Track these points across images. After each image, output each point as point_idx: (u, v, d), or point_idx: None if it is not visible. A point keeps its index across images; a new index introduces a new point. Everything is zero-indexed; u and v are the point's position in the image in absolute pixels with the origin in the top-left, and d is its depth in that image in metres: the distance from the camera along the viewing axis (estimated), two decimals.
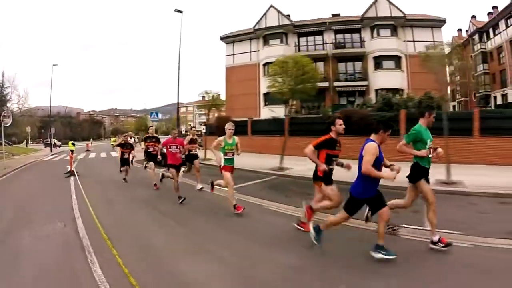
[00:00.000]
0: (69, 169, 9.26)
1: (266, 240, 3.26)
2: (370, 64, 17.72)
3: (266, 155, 11.41)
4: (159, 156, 6.62)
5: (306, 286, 2.34)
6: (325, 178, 3.21)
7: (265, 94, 18.45)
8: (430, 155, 3.00)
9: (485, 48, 28.12)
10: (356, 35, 18.35)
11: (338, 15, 21.97)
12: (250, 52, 20.03)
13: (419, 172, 2.99)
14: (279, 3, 40.90)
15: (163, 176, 6.21)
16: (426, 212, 2.99)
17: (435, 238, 2.92)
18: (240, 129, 12.78)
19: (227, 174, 4.26)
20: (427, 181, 3.00)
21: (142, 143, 9.22)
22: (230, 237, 3.42)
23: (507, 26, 25.11)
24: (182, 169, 6.04)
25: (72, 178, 8.21)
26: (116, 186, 7.15)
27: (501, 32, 26.01)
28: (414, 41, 18.43)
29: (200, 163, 6.89)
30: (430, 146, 3.00)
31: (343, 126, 3.23)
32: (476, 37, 28.70)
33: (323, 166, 3.09)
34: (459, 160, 7.72)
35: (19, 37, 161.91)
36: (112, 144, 23.40)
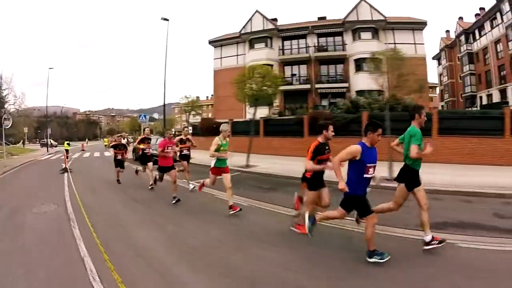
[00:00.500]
0: (63, 166, 10.57)
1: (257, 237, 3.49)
2: (351, 66, 18.93)
3: (242, 153, 12.68)
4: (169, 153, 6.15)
5: (293, 282, 2.43)
6: (312, 181, 3.37)
7: (250, 96, 19.72)
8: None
9: (471, 49, 29.19)
10: (338, 38, 19.57)
11: (324, 18, 23.21)
12: (237, 55, 21.31)
13: (413, 177, 3.04)
14: (265, 8, 42.26)
15: (155, 181, 6.38)
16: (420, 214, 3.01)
17: (428, 238, 2.97)
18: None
19: (212, 177, 4.56)
20: (418, 182, 3.06)
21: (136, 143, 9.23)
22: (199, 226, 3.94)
23: (492, 28, 26.18)
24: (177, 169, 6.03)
25: (65, 174, 9.50)
26: (101, 179, 8.47)
27: (486, 33, 27.10)
28: (395, 43, 19.58)
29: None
30: (424, 148, 3.06)
31: (333, 133, 3.43)
32: (463, 38, 29.82)
33: (323, 167, 3.24)
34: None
35: (15, 37, 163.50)
36: (106, 145, 24.58)
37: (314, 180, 3.35)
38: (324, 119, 11.70)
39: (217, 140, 4.46)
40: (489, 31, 26.70)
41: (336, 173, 2.72)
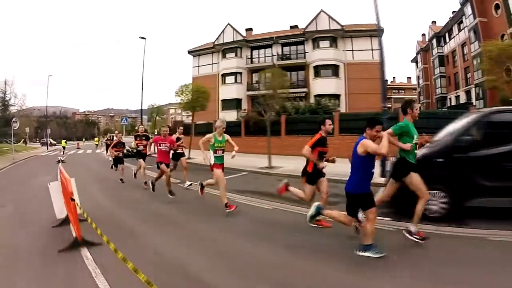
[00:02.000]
0: (59, 158, 14.56)
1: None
2: (311, 72, 22.46)
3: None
4: (149, 152, 6.87)
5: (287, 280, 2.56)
6: (311, 175, 3.70)
7: (223, 101, 23.54)
8: (416, 151, 3.24)
9: (442, 52, 32.12)
10: (300, 47, 23.13)
11: (296, 26, 26.80)
12: (212, 64, 25.18)
13: (406, 167, 3.23)
14: (241, 19, 46.12)
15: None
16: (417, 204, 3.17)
17: (413, 229, 3.19)
18: (203, 129, 17.64)
19: (217, 172, 4.55)
20: (411, 173, 3.20)
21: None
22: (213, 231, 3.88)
23: (459, 31, 29.10)
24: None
25: (60, 163, 13.48)
26: (83, 165, 12.42)
27: (454, 37, 30.11)
28: (353, 50, 23.03)
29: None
30: (416, 141, 3.23)
31: (332, 126, 3.82)
32: (434, 41, 32.84)
33: (322, 164, 3.61)
34: (275, 152, 11.44)
35: (14, 35, 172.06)
36: (96, 144, 28.41)
37: (313, 174, 3.71)
38: (253, 121, 15.27)
39: (210, 135, 4.58)
40: (456, 35, 29.59)
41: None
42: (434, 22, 34.23)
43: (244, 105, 23.39)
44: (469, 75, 28.07)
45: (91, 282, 2.50)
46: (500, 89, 12.29)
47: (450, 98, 31.46)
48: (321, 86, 21.45)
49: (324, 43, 22.16)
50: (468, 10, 25.44)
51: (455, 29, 29.89)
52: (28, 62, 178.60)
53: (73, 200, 3.35)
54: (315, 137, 3.72)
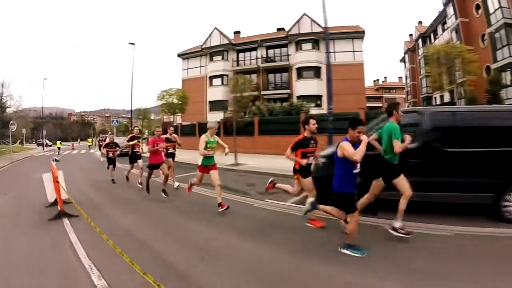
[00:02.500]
0: (54, 158, 16.06)
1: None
2: (294, 74, 23.89)
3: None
4: (160, 148, 6.54)
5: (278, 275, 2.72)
6: (301, 171, 3.88)
7: (210, 102, 25.00)
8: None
9: (427, 52, 33.58)
10: (284, 50, 24.57)
11: (283, 29, 28.20)
12: (200, 67, 26.65)
13: (393, 170, 3.45)
14: (226, 23, 47.60)
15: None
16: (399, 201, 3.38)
17: (398, 225, 3.39)
18: (188, 130, 19.09)
19: (199, 175, 4.87)
20: (399, 172, 3.43)
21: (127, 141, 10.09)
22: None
23: (443, 31, 30.43)
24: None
25: (55, 162, 14.96)
26: (76, 164, 13.89)
27: (438, 37, 31.45)
28: (335, 52, 24.37)
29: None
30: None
31: (316, 125, 3.88)
32: (420, 42, 34.23)
33: (303, 161, 3.76)
34: (248, 151, 13.31)
35: (10, 35, 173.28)
36: (89, 145, 29.80)
37: (304, 169, 3.86)
38: (230, 123, 16.68)
39: (204, 137, 4.76)
40: (440, 35, 30.93)
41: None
42: (420, 22, 35.63)
43: (231, 106, 24.85)
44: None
45: (68, 238, 3.92)
46: (444, 89, 13.73)
47: (435, 98, 32.86)
48: (303, 87, 22.85)
49: (307, 46, 23.56)
50: (450, 10, 26.57)
51: (439, 29, 31.08)
52: (26, 62, 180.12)
53: (58, 182, 4.83)
54: (297, 138, 3.89)
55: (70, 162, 15.89)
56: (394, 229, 3.40)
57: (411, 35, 37.74)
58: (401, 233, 3.37)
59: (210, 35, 25.90)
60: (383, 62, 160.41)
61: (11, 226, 4.52)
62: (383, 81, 55.80)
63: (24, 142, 39.50)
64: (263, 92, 24.09)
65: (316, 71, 23.33)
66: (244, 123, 15.11)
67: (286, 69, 24.11)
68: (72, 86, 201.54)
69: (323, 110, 22.99)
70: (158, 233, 4.04)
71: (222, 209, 4.64)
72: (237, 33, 29.17)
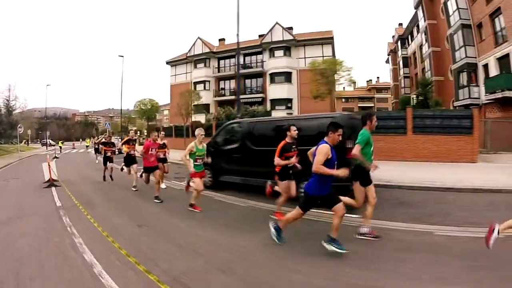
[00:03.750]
0: (55, 155, 20.01)
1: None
2: (267, 79, 27.14)
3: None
4: (150, 154, 6.63)
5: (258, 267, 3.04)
6: (281, 174, 4.52)
7: (195, 106, 28.58)
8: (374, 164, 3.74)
9: (406, 54, 35.97)
10: (259, 57, 27.87)
11: (263, 35, 31.52)
12: (186, 73, 30.28)
13: (364, 173, 3.76)
14: (212, 31, 50.80)
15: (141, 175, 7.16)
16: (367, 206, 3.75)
17: (365, 230, 3.77)
18: (168, 132, 22.69)
19: (196, 180, 5.34)
20: (369, 181, 3.78)
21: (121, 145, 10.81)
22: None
23: (417, 33, 32.76)
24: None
25: (54, 159, 18.90)
26: (72, 160, 17.71)
27: (414, 39, 33.91)
28: (305, 57, 27.23)
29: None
30: (372, 150, 3.80)
31: (296, 132, 4.52)
32: (399, 43, 36.81)
33: (282, 162, 4.39)
34: None
35: (17, 37, 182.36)
36: (87, 145, 33.71)
37: (282, 173, 4.51)
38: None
39: (192, 145, 5.20)
40: (416, 37, 33.41)
41: (327, 172, 3.13)
42: (400, 24, 38.16)
43: (212, 109, 28.40)
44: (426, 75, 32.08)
45: (52, 195, 7.43)
46: (322, 98, 17.02)
47: (413, 98, 35.46)
48: (275, 91, 26.10)
49: (279, 53, 26.60)
50: (420, 13, 28.38)
51: (415, 31, 33.58)
52: (33, 62, 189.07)
53: (49, 165, 8.50)
54: (280, 145, 4.46)
55: (67, 159, 19.75)
56: (362, 234, 3.76)
57: (393, 36, 40.27)
58: (370, 237, 3.74)
59: (193, 44, 29.51)
60: (378, 63, 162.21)
61: (21, 191, 8.16)
62: (376, 81, 58.19)
63: (29, 142, 44.20)
64: (241, 97, 27.48)
65: (287, 76, 26.41)
66: (185, 127, 18.42)
67: (260, 74, 27.43)
68: (79, 86, 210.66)
69: (294, 112, 26.18)
70: (105, 199, 7.60)
71: (193, 209, 5.36)
72: (222, 40, 32.71)
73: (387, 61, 43.51)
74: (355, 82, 16.63)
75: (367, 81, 59.85)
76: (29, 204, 6.51)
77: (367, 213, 3.78)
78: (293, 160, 4.40)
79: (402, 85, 36.27)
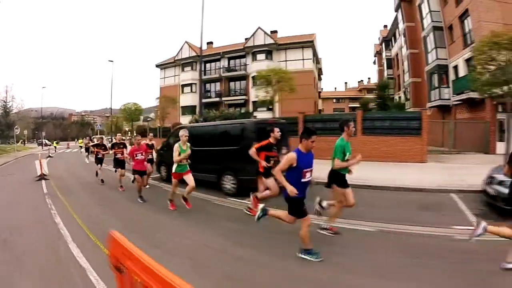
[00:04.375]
0: (49, 154, 22.11)
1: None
2: (250, 82, 29.09)
3: None
4: (131, 163, 7.07)
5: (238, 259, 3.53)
6: (264, 173, 4.81)
7: (182, 107, 30.63)
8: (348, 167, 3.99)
9: (390, 55, 37.78)
10: (243, 60, 29.76)
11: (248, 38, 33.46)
12: (174, 76, 32.25)
13: (335, 178, 4.10)
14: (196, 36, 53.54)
15: (134, 179, 7.27)
16: (332, 204, 4.23)
17: (325, 226, 4.22)
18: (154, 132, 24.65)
19: (174, 181, 5.75)
20: (346, 184, 4.10)
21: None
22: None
23: (399, 35, 34.59)
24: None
25: (48, 158, 20.99)
26: (64, 159, 19.78)
27: (397, 40, 35.70)
28: (286, 60, 28.89)
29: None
30: (348, 158, 4.01)
31: (280, 133, 4.97)
32: (383, 45, 38.61)
33: (263, 163, 4.64)
34: None
35: (14, 37, 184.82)
36: (80, 146, 35.77)
37: (266, 171, 4.82)
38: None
39: (177, 146, 5.56)
40: (398, 38, 35.20)
41: (281, 181, 3.36)
42: (385, 26, 39.99)
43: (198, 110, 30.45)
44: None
45: (41, 186, 9.38)
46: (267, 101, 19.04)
47: (395, 99, 37.30)
48: (256, 93, 28.04)
49: (261, 56, 28.41)
50: (400, 15, 29.62)
51: (397, 33, 35.31)
52: (31, 63, 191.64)
53: (40, 162, 10.57)
54: (263, 142, 4.79)
55: (60, 158, 21.80)
56: (323, 229, 4.13)
57: (379, 38, 42.08)
58: (329, 233, 4.12)
59: (181, 48, 31.53)
60: (369, 64, 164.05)
61: (17, 184, 10.18)
62: (367, 82, 59.95)
63: (26, 142, 46.36)
64: (224, 98, 29.56)
65: (269, 79, 28.40)
66: (166, 129, 20.30)
67: (244, 77, 29.34)
68: (76, 86, 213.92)
69: (275, 113, 28.03)
70: (82, 189, 9.64)
71: (171, 208, 5.81)
72: (210, 43, 34.69)
73: (374, 62, 45.41)
74: (293, 89, 18.60)
75: (359, 82, 61.70)
76: (23, 191, 8.54)
77: (334, 211, 4.20)
78: (264, 163, 4.77)
79: (388, 86, 38.14)
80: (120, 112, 20.77)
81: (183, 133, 5.64)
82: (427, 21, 22.20)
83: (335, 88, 62.70)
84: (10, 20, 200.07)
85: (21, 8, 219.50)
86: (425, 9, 22.30)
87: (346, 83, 62.20)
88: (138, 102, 25.20)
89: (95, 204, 6.83)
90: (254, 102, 28.19)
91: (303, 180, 3.42)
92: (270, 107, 28.20)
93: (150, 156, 8.42)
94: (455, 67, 19.93)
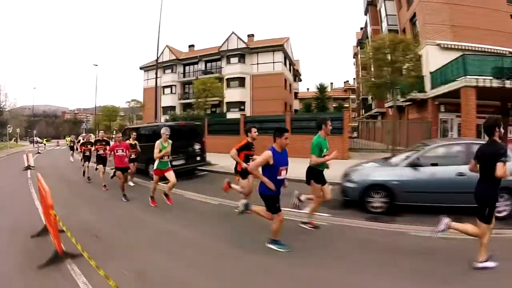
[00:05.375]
0: (38, 151, 25.43)
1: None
2: (224, 84, 32.17)
3: None
4: (109, 158, 8.16)
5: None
6: (242, 173, 5.07)
7: (163, 107, 33.79)
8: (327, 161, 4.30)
9: (364, 57, 40.74)
10: (219, 63, 32.82)
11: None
12: (156, 78, 35.34)
13: (313, 174, 4.43)
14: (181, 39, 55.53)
15: (114, 174, 7.78)
16: (310, 198, 4.58)
17: (306, 220, 4.60)
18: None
19: (155, 177, 6.14)
20: (323, 180, 4.45)
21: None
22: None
23: (367, 38, 37.19)
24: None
25: (37, 154, 24.28)
26: (51, 155, 23.08)
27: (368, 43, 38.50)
28: (258, 64, 31.55)
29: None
30: (325, 154, 4.31)
31: (257, 133, 5.25)
32: (359, 47, 41.51)
33: (243, 165, 4.88)
34: None
35: (7, 34, 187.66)
36: (67, 144, 38.97)
37: (244, 171, 5.02)
38: (125, 128, 25.48)
39: (158, 143, 5.92)
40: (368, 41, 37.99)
41: (259, 176, 3.60)
42: (362, 28, 42.95)
43: (178, 111, 33.60)
44: None
45: (26, 176, 12.67)
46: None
47: (369, 100, 40.33)
48: (230, 95, 30.99)
49: (234, 60, 31.21)
50: (368, 18, 31.47)
51: (368, 36, 38.18)
52: (24, 61, 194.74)
53: (27, 156, 13.90)
54: (242, 142, 5.14)
55: (48, 155, 25.08)
56: (304, 223, 4.61)
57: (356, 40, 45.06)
58: (309, 227, 4.58)
59: (162, 52, 34.68)
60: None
61: (6, 172, 13.45)
62: (353, 83, 62.83)
63: (19, 140, 49.67)
64: (201, 100, 32.69)
65: (240, 81, 31.09)
66: (136, 129, 23.40)
67: (219, 79, 32.48)
68: (69, 84, 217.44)
69: (247, 113, 31.01)
70: (58, 175, 12.93)
71: (152, 205, 6.16)
72: (191, 46, 37.86)
73: (354, 64, 48.37)
74: (222, 95, 22.27)
75: (345, 82, 64.79)
76: (11, 177, 11.79)
77: (313, 208, 4.56)
78: (244, 165, 4.95)
79: (361, 88, 41.14)
80: (100, 111, 23.95)
81: (164, 131, 6.00)
82: (384, 25, 23.99)
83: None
84: (3, 17, 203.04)
85: (15, 5, 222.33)
86: (383, 13, 24.03)
87: (332, 83, 65.24)
88: (115, 104, 28.41)
89: (62, 179, 10.09)
90: (227, 103, 31.45)
91: (278, 177, 3.64)
92: (242, 107, 31.46)
93: (133, 156, 8.84)
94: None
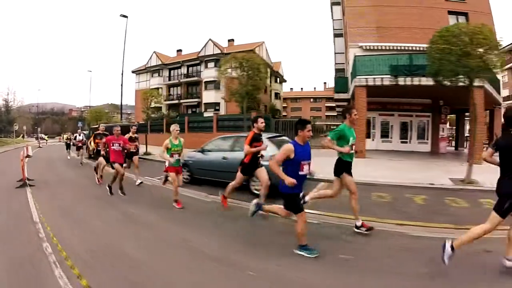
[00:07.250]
0: (39, 145, 31.48)
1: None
2: (203, 86, 37.28)
3: None
4: (102, 152, 8.15)
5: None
6: (246, 167, 5.24)
7: (151, 108, 39.33)
8: (352, 151, 4.25)
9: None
10: (198, 68, 38.02)
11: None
12: (146, 80, 40.94)
13: (341, 166, 4.29)
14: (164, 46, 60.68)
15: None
16: (349, 201, 4.29)
17: (358, 223, 4.26)
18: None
19: (172, 175, 5.90)
20: (350, 173, 4.29)
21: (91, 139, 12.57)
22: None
23: None
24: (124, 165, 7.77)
25: (38, 148, 30.27)
26: (51, 150, 28.94)
27: None
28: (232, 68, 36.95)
29: (140, 158, 10.21)
30: (352, 143, 4.24)
31: (264, 124, 5.26)
32: None
33: (259, 149, 5.16)
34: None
35: (17, 33, 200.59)
36: (62, 141, 45.16)
37: (249, 166, 5.16)
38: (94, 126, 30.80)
39: (167, 142, 5.72)
40: None
41: (278, 173, 3.43)
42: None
43: (164, 110, 39.07)
44: None
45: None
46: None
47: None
48: (207, 96, 36.12)
49: (211, 64, 36.08)
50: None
51: None
52: (33, 58, 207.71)
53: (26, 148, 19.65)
54: (250, 135, 5.23)
55: (47, 149, 30.98)
56: (357, 227, 4.32)
57: None
58: (363, 230, 4.27)
59: (150, 58, 40.26)
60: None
61: (9, 159, 19.15)
62: None
63: (25, 136, 56.69)
64: (182, 101, 38.09)
65: (216, 84, 36.28)
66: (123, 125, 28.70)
67: (198, 82, 37.58)
68: (78, 82, 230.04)
69: (221, 113, 35.85)
70: (47, 163, 18.45)
71: (178, 207, 5.88)
72: (179, 51, 43.25)
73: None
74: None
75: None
76: (12, 163, 17.37)
77: (353, 206, 4.33)
78: (263, 146, 5.26)
79: None
80: (93, 112, 29.93)
81: (174, 128, 5.86)
82: (331, 29, 26.29)
83: (315, 88, 71.02)
84: (10, 16, 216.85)
85: (22, 2, 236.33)
86: (332, 18, 26.33)
87: (325, 83, 69.78)
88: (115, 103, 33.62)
89: (51, 165, 15.46)
90: (205, 104, 36.65)
91: (300, 173, 3.54)
92: (217, 108, 36.50)
93: (134, 150, 8.84)
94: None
